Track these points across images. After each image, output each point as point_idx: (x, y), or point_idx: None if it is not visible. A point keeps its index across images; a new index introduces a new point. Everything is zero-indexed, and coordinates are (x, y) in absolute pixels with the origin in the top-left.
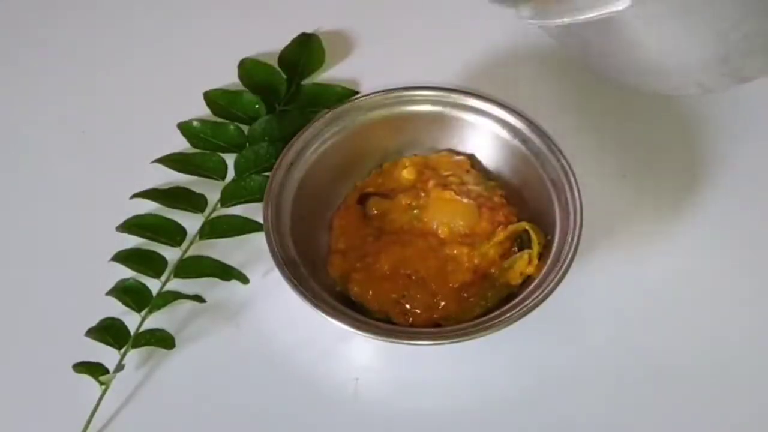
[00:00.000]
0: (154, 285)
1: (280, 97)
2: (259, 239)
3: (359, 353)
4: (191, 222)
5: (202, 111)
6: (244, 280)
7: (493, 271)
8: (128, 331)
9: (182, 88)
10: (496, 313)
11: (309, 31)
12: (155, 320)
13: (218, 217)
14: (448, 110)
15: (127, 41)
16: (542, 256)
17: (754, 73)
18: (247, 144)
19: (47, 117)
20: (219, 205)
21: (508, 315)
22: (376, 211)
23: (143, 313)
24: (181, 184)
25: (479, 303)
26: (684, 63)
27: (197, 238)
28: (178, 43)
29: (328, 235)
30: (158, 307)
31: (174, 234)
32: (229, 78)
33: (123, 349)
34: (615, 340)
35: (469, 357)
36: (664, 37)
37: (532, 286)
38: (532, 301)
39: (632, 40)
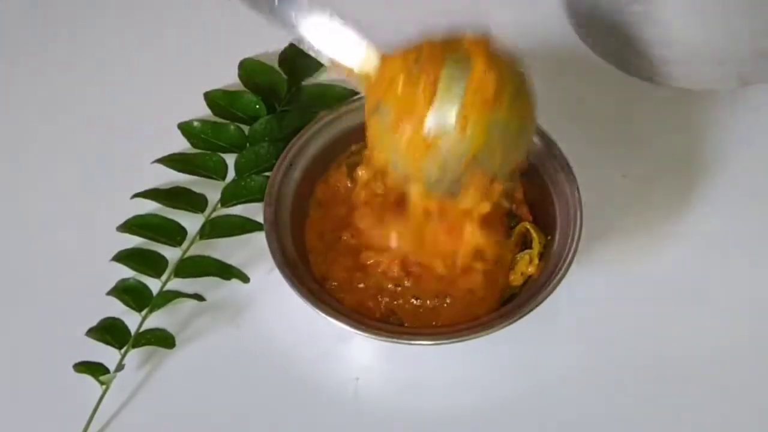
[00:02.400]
0: (154, 285)
1: (281, 98)
2: (259, 239)
3: (359, 353)
4: (191, 222)
5: (203, 111)
6: (244, 278)
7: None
8: (129, 331)
9: (182, 88)
10: (496, 313)
11: None
12: (156, 320)
13: (218, 217)
14: None
15: (127, 41)
16: (542, 256)
17: None
18: (248, 144)
19: (47, 117)
20: (219, 205)
21: (508, 315)
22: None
23: (143, 312)
24: (181, 184)
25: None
26: (731, 50)
27: (197, 237)
28: (178, 43)
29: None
30: (158, 306)
31: (174, 234)
32: (229, 78)
33: (123, 349)
34: (615, 340)
35: (469, 357)
36: (716, 23)
37: (532, 286)
38: (532, 301)
39: (682, 23)
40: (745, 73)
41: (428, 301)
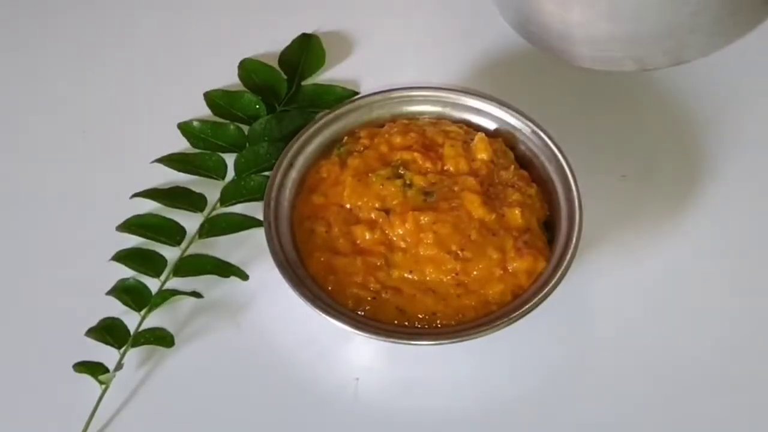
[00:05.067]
0: (153, 284)
1: (281, 98)
2: (258, 238)
3: (359, 353)
4: (191, 222)
5: (203, 111)
6: (243, 276)
7: None
8: (128, 331)
9: (182, 88)
10: (496, 313)
11: (309, 31)
12: (155, 319)
13: (217, 216)
14: (448, 110)
15: (127, 41)
16: None
17: (694, 53)
18: (247, 144)
19: (47, 117)
20: (219, 205)
21: (508, 314)
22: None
23: (143, 312)
24: (181, 184)
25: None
26: (629, 34)
27: (197, 237)
28: (178, 43)
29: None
30: (157, 305)
31: (174, 234)
32: (229, 78)
33: (123, 349)
34: (615, 340)
35: (469, 357)
36: (619, 5)
37: (532, 286)
38: (532, 301)
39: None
40: (645, 56)
41: (419, 315)
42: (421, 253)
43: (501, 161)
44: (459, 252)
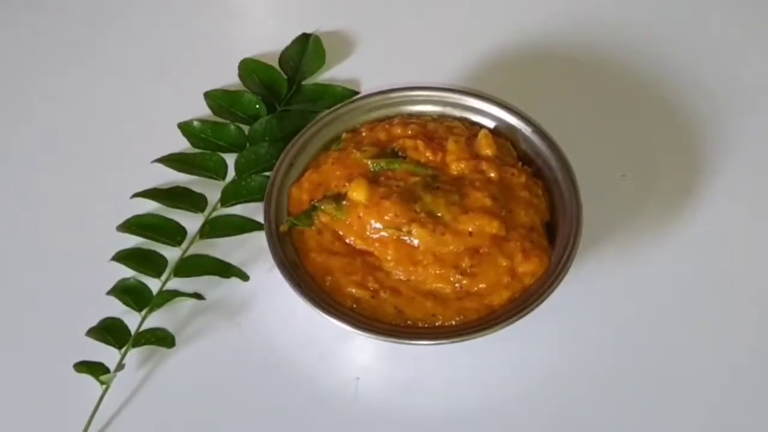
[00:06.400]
0: (154, 284)
1: (281, 97)
2: (259, 239)
3: (359, 353)
4: (191, 222)
5: (203, 111)
6: (243, 277)
7: None
8: (128, 331)
9: (182, 88)
10: (496, 313)
11: (309, 31)
12: (156, 320)
13: (218, 217)
14: (448, 110)
15: (127, 41)
16: None
17: None
18: (248, 144)
19: (47, 117)
20: (219, 205)
21: (508, 315)
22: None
23: (143, 312)
24: (181, 184)
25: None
26: None
27: (197, 237)
28: (178, 43)
29: None
30: (158, 305)
31: (174, 234)
32: (229, 78)
33: (123, 349)
34: (615, 340)
35: (469, 357)
36: None
37: (532, 286)
38: (532, 301)
39: None
40: None
41: (418, 317)
42: (420, 272)
43: (506, 158)
44: (468, 269)
